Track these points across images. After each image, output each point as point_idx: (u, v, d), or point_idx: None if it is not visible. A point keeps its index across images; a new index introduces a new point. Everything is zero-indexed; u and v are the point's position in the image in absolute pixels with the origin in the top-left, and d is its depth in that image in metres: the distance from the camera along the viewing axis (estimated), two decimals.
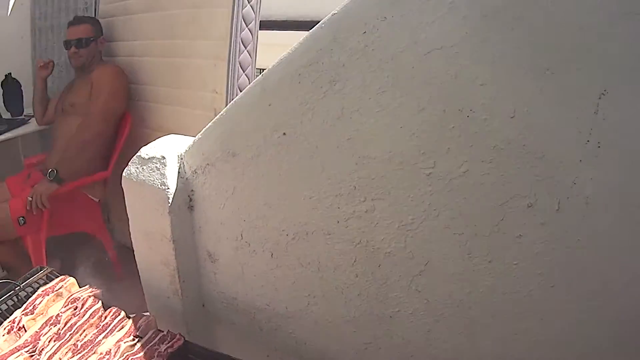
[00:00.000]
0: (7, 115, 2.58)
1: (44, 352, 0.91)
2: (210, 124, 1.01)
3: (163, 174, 1.07)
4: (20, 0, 2.69)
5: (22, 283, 1.18)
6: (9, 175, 2.21)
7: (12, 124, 2.45)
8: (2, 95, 2.54)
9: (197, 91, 1.98)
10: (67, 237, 2.19)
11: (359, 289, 0.90)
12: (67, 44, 2.12)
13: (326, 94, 0.79)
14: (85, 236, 2.23)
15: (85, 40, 2.09)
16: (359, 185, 0.81)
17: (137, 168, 1.13)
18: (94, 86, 2.07)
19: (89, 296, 1.08)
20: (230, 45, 1.81)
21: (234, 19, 1.79)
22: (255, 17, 1.88)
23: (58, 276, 1.24)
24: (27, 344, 0.93)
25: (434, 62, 0.68)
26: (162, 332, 0.97)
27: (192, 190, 1.11)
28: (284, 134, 0.86)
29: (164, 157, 1.09)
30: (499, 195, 0.69)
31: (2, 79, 2.50)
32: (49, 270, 1.28)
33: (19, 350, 0.91)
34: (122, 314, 1.03)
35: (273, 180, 0.93)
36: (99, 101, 2.04)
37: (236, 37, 1.82)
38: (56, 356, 0.91)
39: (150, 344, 0.93)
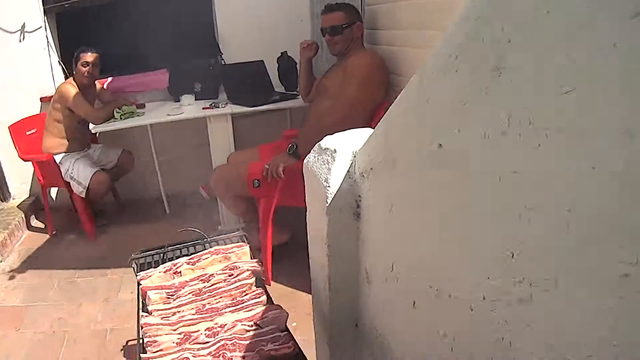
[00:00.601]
0: (281, 89, 3.01)
1: (177, 300, 0.98)
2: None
3: (329, 170, 0.96)
4: None
5: (213, 237, 1.34)
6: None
7: (284, 97, 2.80)
8: (278, 69, 2.97)
9: None
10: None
11: None
12: (323, 32, 2.17)
13: (488, 90, 0.48)
14: None
15: (338, 27, 2.09)
16: (518, 255, 0.47)
17: (314, 157, 1.05)
18: (347, 73, 2.05)
19: (249, 269, 1.11)
20: None
21: None
22: None
23: (245, 241, 1.34)
24: (171, 287, 1.03)
25: None
26: (282, 332, 0.90)
27: (359, 195, 0.96)
28: (440, 145, 0.59)
29: (335, 151, 0.97)
30: None
31: (278, 56, 2.91)
32: (243, 234, 1.41)
33: (162, 289, 1.01)
34: (263, 298, 1.01)
35: (425, 212, 0.68)
36: (348, 88, 2.03)
37: None
38: (183, 307, 0.97)
39: (260, 338, 0.88)
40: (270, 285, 2.20)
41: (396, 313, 0.85)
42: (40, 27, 3.02)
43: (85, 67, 2.66)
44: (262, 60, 2.98)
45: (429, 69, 0.61)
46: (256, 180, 2.17)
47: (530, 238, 0.46)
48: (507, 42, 0.45)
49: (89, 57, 2.67)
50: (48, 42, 3.06)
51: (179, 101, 2.93)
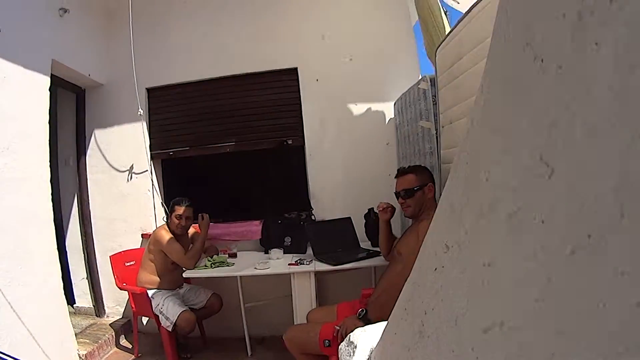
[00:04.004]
0: (367, 243, 3.00)
1: None
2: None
3: None
4: (387, 140, 3.27)
5: None
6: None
7: (369, 254, 2.77)
8: (365, 225, 3.00)
9: None
10: None
11: None
12: (397, 195, 2.20)
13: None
14: None
15: (410, 190, 2.13)
16: None
17: (345, 346, 0.96)
18: (419, 237, 1.98)
19: None
20: None
21: None
22: None
23: None
24: None
25: None
26: None
27: None
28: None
29: (355, 347, 0.87)
30: None
31: (365, 213, 2.97)
32: None
33: None
34: None
35: None
36: (417, 256, 1.95)
37: None
38: None
39: None
40: None
41: None
42: (147, 170, 3.57)
43: (178, 219, 2.95)
44: (349, 217, 3.06)
45: None
46: (327, 340, 2.07)
47: None
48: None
49: (183, 210, 2.95)
50: (153, 184, 3.57)
51: (268, 253, 3.07)
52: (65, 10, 3.09)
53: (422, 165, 2.34)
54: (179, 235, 3.02)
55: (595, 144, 0.35)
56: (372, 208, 2.97)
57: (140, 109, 3.43)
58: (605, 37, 0.35)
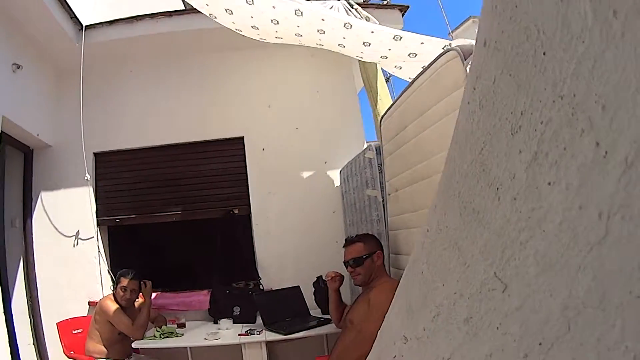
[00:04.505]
0: (317, 310, 3.07)
1: None
2: None
3: None
4: (333, 208, 3.45)
5: None
6: None
7: (320, 322, 2.80)
8: (314, 293, 3.10)
9: None
10: None
11: None
12: (345, 264, 2.23)
13: None
14: None
15: (359, 258, 2.17)
16: None
17: None
18: (370, 306, 2.02)
19: None
20: None
21: None
22: None
23: None
24: None
25: None
26: None
27: None
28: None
29: None
30: None
31: (314, 281, 3.08)
32: None
33: None
34: None
35: None
36: (372, 324, 1.88)
37: None
38: None
39: None
40: None
41: None
42: (93, 236, 3.49)
43: (123, 291, 2.87)
44: (298, 286, 3.14)
45: None
46: None
47: None
48: None
49: (128, 283, 2.88)
50: (99, 251, 3.48)
51: (217, 323, 3.04)
52: (18, 66, 3.10)
53: (369, 233, 2.45)
54: (125, 306, 2.93)
55: (546, 270, 0.40)
56: (321, 276, 3.08)
57: (87, 174, 3.41)
58: (558, 178, 0.40)
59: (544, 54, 0.43)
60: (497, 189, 0.46)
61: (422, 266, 0.68)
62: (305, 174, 3.66)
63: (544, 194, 0.40)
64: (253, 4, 2.45)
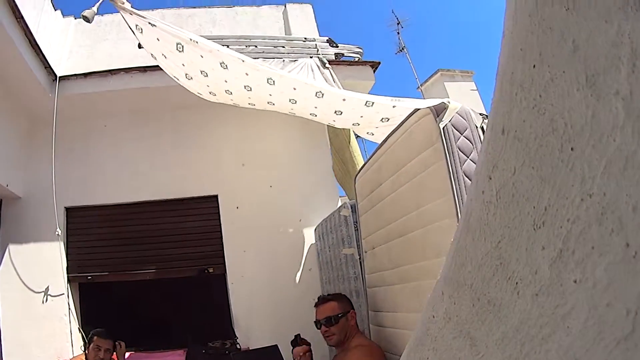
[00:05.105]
0: None
1: None
2: None
3: None
4: (309, 266, 3.39)
5: None
6: None
7: None
8: (292, 352, 3.03)
9: None
10: None
11: None
12: (317, 324, 2.19)
13: None
14: None
15: (333, 317, 2.12)
16: None
17: None
18: None
19: None
20: None
21: None
22: None
23: None
24: None
25: None
26: None
27: None
28: None
29: None
30: None
31: (292, 339, 3.01)
32: None
33: None
34: None
35: None
36: None
37: None
38: None
39: None
40: None
41: None
42: (63, 293, 3.35)
43: (97, 351, 2.74)
44: (276, 345, 3.07)
45: None
46: None
47: None
48: None
49: (102, 342, 2.75)
50: (70, 308, 3.34)
51: None
52: None
53: (342, 293, 2.41)
54: None
55: None
56: (299, 334, 3.01)
57: (58, 229, 3.31)
58: (585, 277, 0.39)
59: (571, 149, 0.42)
60: (517, 283, 0.46)
61: (427, 352, 0.67)
62: (280, 232, 3.64)
63: (569, 290, 0.40)
64: (227, 68, 2.47)
